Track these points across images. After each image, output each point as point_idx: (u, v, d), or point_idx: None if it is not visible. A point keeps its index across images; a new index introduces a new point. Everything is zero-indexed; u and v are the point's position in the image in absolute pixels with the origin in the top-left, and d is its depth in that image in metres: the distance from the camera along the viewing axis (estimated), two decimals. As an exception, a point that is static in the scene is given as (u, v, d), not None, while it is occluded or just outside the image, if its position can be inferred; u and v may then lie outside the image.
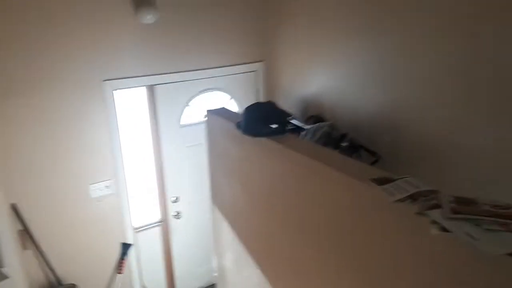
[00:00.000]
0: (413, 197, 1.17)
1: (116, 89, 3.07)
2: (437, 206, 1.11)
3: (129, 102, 3.46)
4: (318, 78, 3.11)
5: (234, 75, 3.65)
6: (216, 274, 2.57)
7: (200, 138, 3.59)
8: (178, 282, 3.95)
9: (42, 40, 2.70)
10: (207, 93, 3.59)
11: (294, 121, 2.94)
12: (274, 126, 1.76)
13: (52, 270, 3.08)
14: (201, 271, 4.05)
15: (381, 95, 2.54)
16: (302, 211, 1.57)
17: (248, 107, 1.83)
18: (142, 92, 3.41)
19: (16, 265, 2.69)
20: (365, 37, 2.58)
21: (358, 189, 1.27)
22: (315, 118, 3.14)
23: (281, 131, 1.76)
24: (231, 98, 3.73)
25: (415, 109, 2.32)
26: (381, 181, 1.28)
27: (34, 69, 2.72)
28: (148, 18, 2.95)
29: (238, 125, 1.89)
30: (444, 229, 1.01)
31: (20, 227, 2.88)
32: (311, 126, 2.86)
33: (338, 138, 2.73)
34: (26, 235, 2.92)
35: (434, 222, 1.04)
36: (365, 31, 2.57)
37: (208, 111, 2.30)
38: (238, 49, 3.55)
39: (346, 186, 1.33)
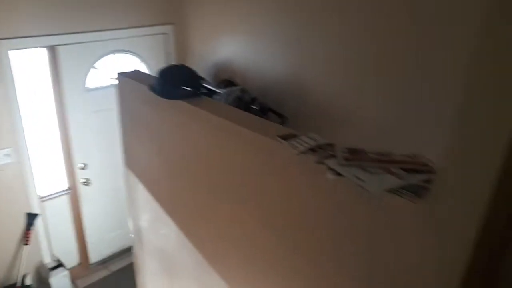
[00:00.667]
0: (313, 150, 1.35)
1: (12, 49, 2.83)
2: (332, 156, 1.30)
3: (28, 64, 3.20)
4: (229, 44, 3.18)
5: (143, 37, 3.56)
6: (132, 236, 2.62)
7: (108, 102, 3.48)
8: (90, 249, 3.89)
9: None
10: (116, 55, 3.47)
11: (207, 85, 3.01)
12: (188, 88, 1.83)
13: None
14: (113, 237, 4.03)
15: (287, 63, 2.73)
16: (216, 168, 1.69)
17: (162, 69, 1.86)
18: (43, 53, 3.18)
19: None
20: (273, 9, 2.70)
21: (267, 144, 1.42)
22: (226, 82, 3.24)
23: (195, 94, 1.83)
24: (141, 61, 3.65)
25: (316, 76, 2.55)
26: (286, 137, 1.44)
27: None
28: (47, -28, 2.74)
29: (152, 88, 1.91)
30: (338, 174, 1.20)
31: None
32: (224, 90, 2.96)
33: (249, 102, 2.88)
34: None
35: (330, 169, 1.23)
36: (274, 3, 2.70)
37: (119, 73, 2.26)
38: (147, 10, 3.46)
39: (255, 142, 1.47)
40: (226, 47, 3.22)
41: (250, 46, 3.00)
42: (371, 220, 1.11)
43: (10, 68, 2.86)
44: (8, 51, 2.81)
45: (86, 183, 3.64)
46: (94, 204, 3.78)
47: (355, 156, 1.29)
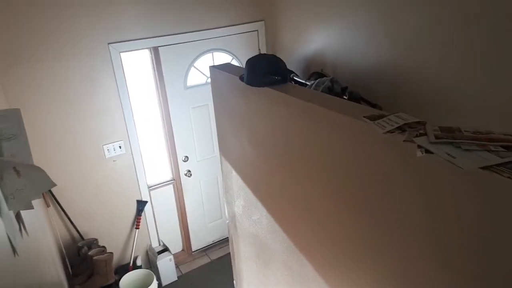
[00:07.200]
0: (401, 128, 1.30)
1: (122, 52, 3.17)
2: (423, 135, 1.24)
3: (136, 65, 3.55)
4: (319, 35, 3.17)
5: (236, 35, 3.72)
6: (228, 221, 2.76)
7: (206, 99, 3.71)
8: (192, 236, 4.17)
9: (48, 8, 2.79)
10: (209, 54, 3.68)
11: (296, 78, 3.04)
12: (275, 76, 1.88)
13: (74, 225, 3.30)
14: (213, 226, 4.28)
15: (379, 49, 2.63)
16: (305, 153, 1.71)
17: (251, 58, 1.93)
18: (147, 55, 3.50)
19: (42, 220, 2.89)
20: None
21: (353, 125, 1.40)
22: (317, 74, 3.24)
23: (282, 81, 1.87)
24: (232, 59, 3.81)
25: (410, 62, 2.41)
26: (373, 118, 1.41)
27: (43, 36, 2.82)
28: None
29: (241, 78, 2.00)
30: (428, 151, 1.14)
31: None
32: (313, 81, 2.96)
33: (339, 92, 2.84)
34: (48, 194, 3.11)
35: (419, 147, 1.17)
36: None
37: (212, 67, 2.40)
38: (238, 8, 3.60)
39: (343, 124, 1.45)
40: (316, 39, 3.22)
41: (340, 36, 2.95)
42: (465, 200, 1.03)
43: (122, 68, 3.21)
44: (120, 53, 3.16)
45: (188, 174, 3.91)
46: (195, 195, 4.05)
47: (447, 134, 1.22)
